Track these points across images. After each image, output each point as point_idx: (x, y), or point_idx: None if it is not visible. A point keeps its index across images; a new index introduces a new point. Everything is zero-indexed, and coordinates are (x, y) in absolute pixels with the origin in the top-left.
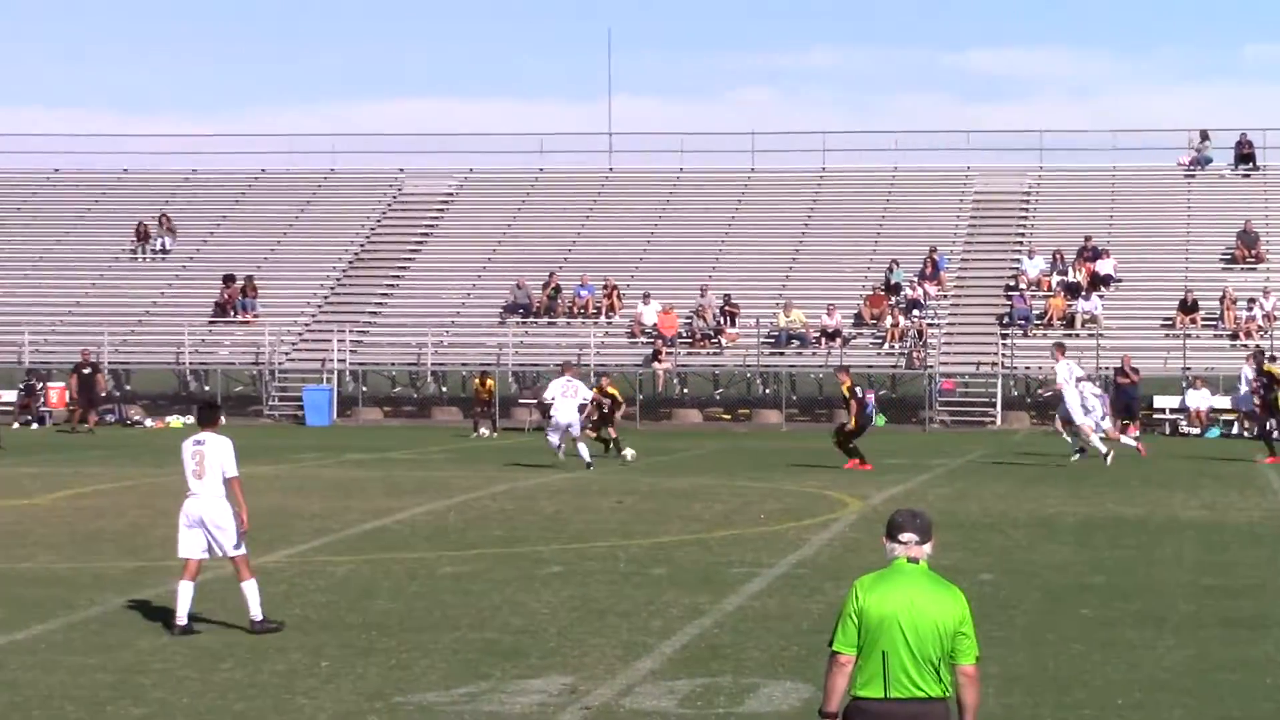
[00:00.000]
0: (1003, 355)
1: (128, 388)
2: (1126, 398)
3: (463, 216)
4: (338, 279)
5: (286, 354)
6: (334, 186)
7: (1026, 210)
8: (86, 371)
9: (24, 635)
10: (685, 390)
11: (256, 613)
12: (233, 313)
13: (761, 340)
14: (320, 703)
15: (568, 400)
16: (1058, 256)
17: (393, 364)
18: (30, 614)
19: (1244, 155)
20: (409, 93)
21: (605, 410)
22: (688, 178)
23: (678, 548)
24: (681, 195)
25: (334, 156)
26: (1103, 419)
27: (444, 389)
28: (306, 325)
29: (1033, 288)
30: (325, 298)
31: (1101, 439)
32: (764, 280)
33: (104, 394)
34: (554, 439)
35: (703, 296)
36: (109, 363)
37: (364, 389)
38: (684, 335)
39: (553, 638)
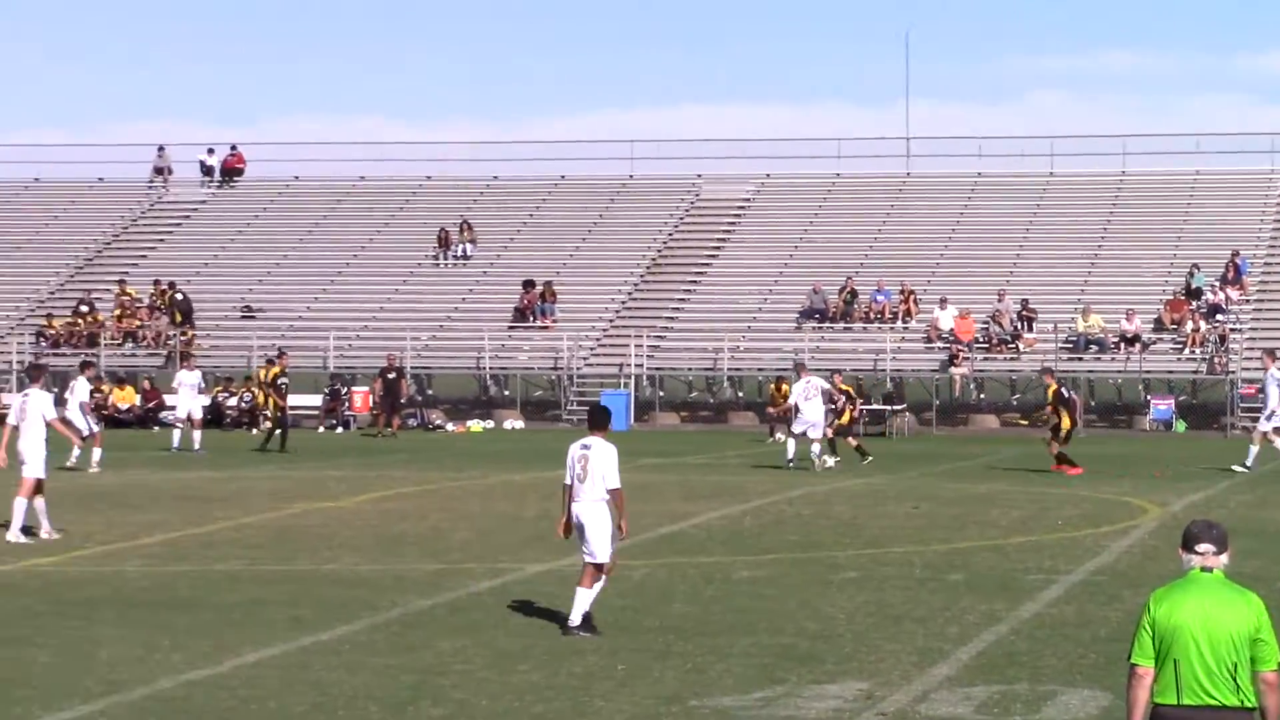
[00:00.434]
0: None
1: (429, 392)
2: None
3: (760, 221)
4: (635, 284)
5: (585, 359)
6: (632, 192)
7: None
8: (390, 376)
9: (328, 636)
10: (982, 395)
11: (576, 618)
12: (532, 318)
13: (1059, 345)
14: (617, 705)
15: (811, 402)
16: None
17: (689, 369)
18: (335, 615)
19: None
20: (706, 99)
21: (838, 407)
22: (985, 181)
23: (974, 554)
24: (979, 199)
25: (632, 163)
26: None
27: (740, 394)
28: (604, 330)
29: None
30: (623, 303)
31: None
32: (1062, 284)
33: (406, 399)
34: (791, 446)
35: (1000, 301)
36: (411, 368)
37: (661, 393)
38: (980, 340)
39: (848, 643)
